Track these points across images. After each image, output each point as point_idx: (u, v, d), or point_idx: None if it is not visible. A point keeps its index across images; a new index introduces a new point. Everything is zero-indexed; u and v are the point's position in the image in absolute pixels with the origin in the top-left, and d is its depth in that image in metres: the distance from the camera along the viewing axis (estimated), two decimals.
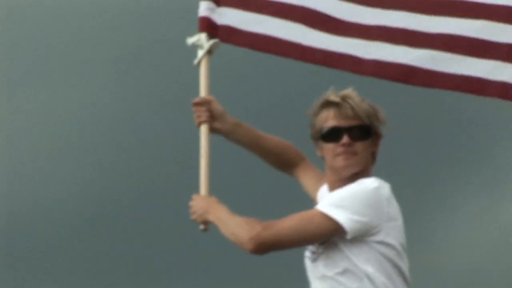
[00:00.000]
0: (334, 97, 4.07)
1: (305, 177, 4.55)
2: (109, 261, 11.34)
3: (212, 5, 5.01)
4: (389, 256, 3.97)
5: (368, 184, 3.93)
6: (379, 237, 3.93)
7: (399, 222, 3.97)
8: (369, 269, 3.91)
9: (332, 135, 4.06)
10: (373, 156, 4.11)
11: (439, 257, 10.24)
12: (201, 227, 4.17)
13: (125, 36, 11.17)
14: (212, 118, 4.53)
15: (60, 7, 11.79)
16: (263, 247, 3.90)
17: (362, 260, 3.93)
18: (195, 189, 4.28)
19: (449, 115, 8.99)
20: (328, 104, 4.07)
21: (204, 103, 4.54)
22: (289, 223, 3.90)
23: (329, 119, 4.07)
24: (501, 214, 11.18)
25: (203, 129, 4.53)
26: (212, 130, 4.54)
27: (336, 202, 3.88)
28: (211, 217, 4.11)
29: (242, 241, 3.89)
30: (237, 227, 3.96)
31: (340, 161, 4.04)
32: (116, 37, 11.26)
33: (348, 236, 3.84)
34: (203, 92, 4.68)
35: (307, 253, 4.07)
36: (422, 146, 8.91)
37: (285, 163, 4.65)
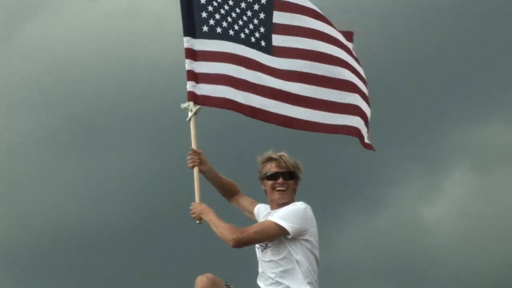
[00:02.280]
0: (274, 155, 5.95)
1: (243, 202, 6.41)
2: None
3: (194, 83, 6.70)
4: (310, 248, 5.81)
5: (300, 205, 5.82)
6: (305, 237, 5.80)
7: (315, 228, 5.85)
8: (298, 256, 5.76)
9: (273, 176, 5.91)
10: (295, 191, 5.97)
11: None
12: (198, 222, 6.05)
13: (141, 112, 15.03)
14: (200, 163, 6.36)
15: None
16: (241, 245, 5.72)
17: (295, 251, 5.76)
18: (193, 199, 6.23)
19: None
20: (270, 159, 5.96)
21: (197, 153, 6.39)
22: (256, 229, 5.75)
23: (271, 168, 5.92)
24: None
25: (195, 170, 6.34)
26: (199, 170, 6.35)
27: (282, 216, 5.74)
28: (204, 217, 5.95)
29: (227, 240, 5.68)
30: (224, 231, 5.72)
31: (276, 195, 5.91)
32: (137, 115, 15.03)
33: (289, 236, 5.71)
34: (193, 142, 6.45)
35: (257, 246, 5.86)
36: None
37: (230, 194, 6.48)
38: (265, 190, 6.02)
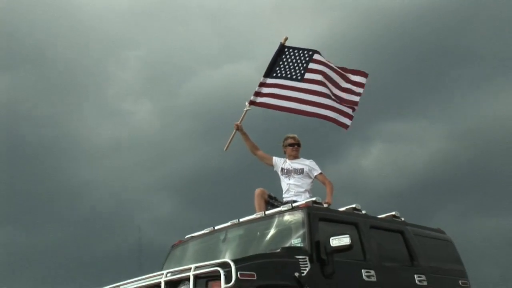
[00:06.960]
0: (291, 136, 11.48)
1: (263, 154, 11.49)
2: None
3: (255, 97, 11.92)
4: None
5: (311, 160, 11.32)
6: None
7: None
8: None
9: (290, 145, 11.43)
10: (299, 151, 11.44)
11: None
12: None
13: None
14: (238, 129, 11.55)
15: None
16: None
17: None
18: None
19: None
20: (288, 138, 11.45)
21: (237, 125, 11.58)
22: (330, 180, 11.04)
23: (290, 141, 11.37)
24: None
25: (234, 130, 11.53)
26: (238, 131, 11.56)
27: (318, 168, 11.15)
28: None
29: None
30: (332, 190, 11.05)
31: (292, 152, 11.37)
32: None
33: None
34: (240, 120, 11.56)
35: (282, 173, 11.23)
36: None
37: (254, 149, 11.52)
38: (285, 151, 11.37)
